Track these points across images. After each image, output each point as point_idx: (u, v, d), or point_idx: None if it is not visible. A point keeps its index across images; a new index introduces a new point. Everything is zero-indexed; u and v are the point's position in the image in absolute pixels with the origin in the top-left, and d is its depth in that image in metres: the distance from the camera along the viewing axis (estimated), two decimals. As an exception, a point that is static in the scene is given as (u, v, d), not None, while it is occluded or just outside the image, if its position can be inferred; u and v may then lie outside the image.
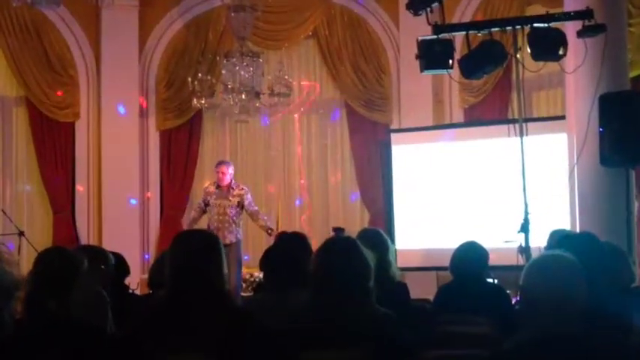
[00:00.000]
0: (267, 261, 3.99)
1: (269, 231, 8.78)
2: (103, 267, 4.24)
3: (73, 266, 2.99)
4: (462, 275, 4.79)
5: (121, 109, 10.25)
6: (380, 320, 2.99)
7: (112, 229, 10.00)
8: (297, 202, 10.50)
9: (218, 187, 8.81)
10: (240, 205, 8.80)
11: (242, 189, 8.92)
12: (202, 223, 8.89)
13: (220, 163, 9.00)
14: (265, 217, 9.05)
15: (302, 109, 10.49)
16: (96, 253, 4.37)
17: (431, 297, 5.15)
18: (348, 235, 3.25)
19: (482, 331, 4.01)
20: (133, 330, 3.04)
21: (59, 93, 10.12)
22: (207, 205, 8.81)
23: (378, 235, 4.44)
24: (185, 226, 9.37)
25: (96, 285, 3.99)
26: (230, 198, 8.78)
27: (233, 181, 8.91)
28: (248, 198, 8.85)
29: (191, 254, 3.06)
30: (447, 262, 4.93)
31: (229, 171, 8.85)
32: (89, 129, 10.31)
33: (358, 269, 3.03)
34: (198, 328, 2.90)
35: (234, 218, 8.77)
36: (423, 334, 3.80)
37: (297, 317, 3.12)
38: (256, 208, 8.93)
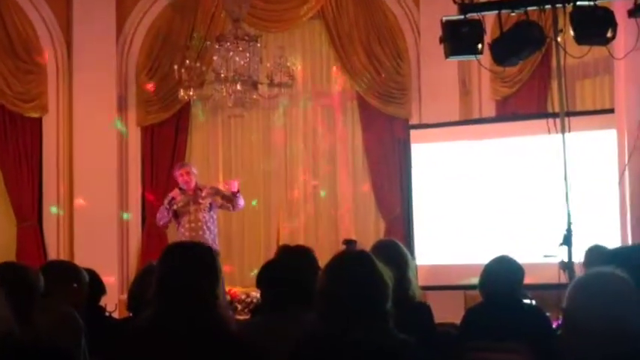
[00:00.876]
0: (266, 278, 3.98)
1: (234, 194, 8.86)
2: (75, 285, 4.24)
3: (26, 285, 2.98)
4: (494, 295, 4.78)
5: (96, 103, 10.24)
6: (398, 349, 2.97)
7: (85, 241, 10.00)
8: (300, 209, 10.49)
9: (183, 192, 8.86)
10: (213, 207, 8.86)
11: (209, 188, 9.08)
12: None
13: (183, 166, 9.11)
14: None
15: (306, 101, 10.49)
16: (66, 269, 4.37)
17: (457, 320, 5.14)
18: (361, 248, 3.23)
19: (519, 359, 4.00)
20: (110, 359, 3.04)
21: (24, 83, 10.14)
22: (172, 208, 8.84)
23: (396, 247, 4.43)
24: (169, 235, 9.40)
25: (66, 306, 3.99)
26: (200, 201, 8.83)
27: (198, 183, 9.02)
28: (219, 190, 9.03)
29: (183, 271, 3.06)
30: (475, 280, 4.92)
31: (193, 172, 8.97)
32: (59, 125, 10.33)
33: (373, 289, 3.02)
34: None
35: (209, 224, 8.82)
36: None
37: (300, 346, 3.10)
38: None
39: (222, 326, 3.04)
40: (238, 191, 8.92)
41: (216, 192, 8.99)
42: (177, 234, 8.92)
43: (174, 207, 8.84)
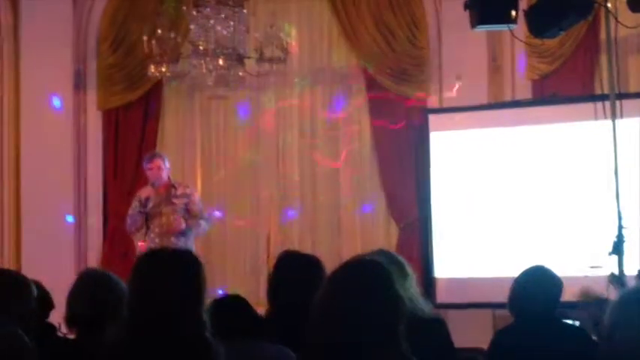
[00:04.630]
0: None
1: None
2: (22, 300, 4.25)
3: None
4: (527, 314, 4.79)
5: (48, 81, 10.25)
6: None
7: (35, 247, 10.01)
8: (295, 212, 10.50)
9: (154, 188, 8.87)
10: (188, 210, 8.86)
11: (187, 187, 9.13)
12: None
13: (153, 157, 9.12)
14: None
15: (303, 80, 10.50)
16: (13, 280, 4.38)
17: (484, 345, 5.15)
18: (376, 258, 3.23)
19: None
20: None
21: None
22: (145, 210, 8.86)
23: (391, 256, 4.46)
24: (137, 241, 9.39)
25: (12, 326, 4.00)
26: (174, 201, 8.85)
27: (171, 179, 9.03)
28: (196, 198, 9.04)
29: (163, 285, 3.07)
30: (505, 297, 4.92)
31: (166, 165, 8.98)
32: (3, 109, 10.35)
33: (388, 305, 3.02)
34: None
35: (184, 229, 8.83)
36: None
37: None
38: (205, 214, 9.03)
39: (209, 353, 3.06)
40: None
41: (190, 202, 8.93)
42: (145, 239, 8.90)
43: (146, 203, 8.84)
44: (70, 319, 4.21)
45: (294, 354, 3.27)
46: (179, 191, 8.95)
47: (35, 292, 4.41)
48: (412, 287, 4.37)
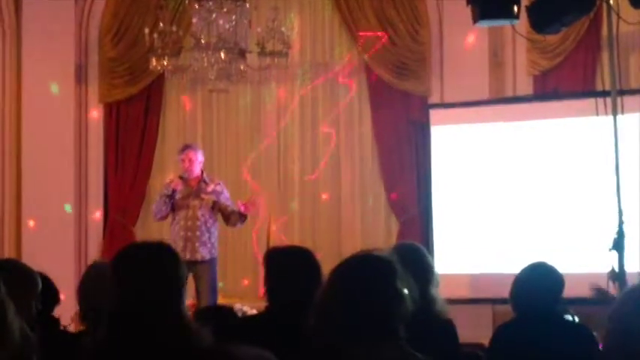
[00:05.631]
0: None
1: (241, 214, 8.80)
2: (28, 291, 4.25)
3: None
4: (528, 310, 4.78)
5: (50, 74, 10.25)
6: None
7: (35, 240, 10.01)
8: (295, 206, 10.49)
9: (184, 180, 8.84)
10: (217, 207, 8.83)
11: (218, 184, 9.01)
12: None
13: (187, 148, 9.06)
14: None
15: (304, 75, 10.49)
16: (19, 272, 4.37)
17: (484, 340, 5.14)
18: (387, 254, 3.21)
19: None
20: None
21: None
22: (172, 201, 8.81)
23: (421, 254, 4.46)
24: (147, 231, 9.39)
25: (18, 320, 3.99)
26: (202, 196, 8.81)
27: (204, 174, 8.96)
28: (225, 196, 8.92)
29: (142, 280, 3.06)
30: (505, 292, 4.92)
31: (199, 158, 8.92)
32: (4, 100, 10.35)
33: (388, 303, 3.02)
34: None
35: (209, 225, 8.80)
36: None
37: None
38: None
39: (192, 344, 3.05)
40: (246, 216, 8.91)
41: (219, 199, 8.88)
42: (170, 231, 8.86)
43: (174, 195, 8.78)
44: (85, 314, 4.21)
45: (294, 349, 3.25)
46: (209, 188, 8.90)
47: (40, 284, 4.41)
48: (436, 291, 4.38)
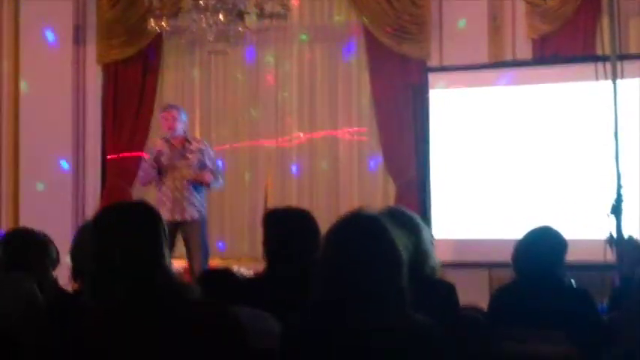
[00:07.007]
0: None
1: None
2: (44, 259, 4.29)
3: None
4: (530, 273, 4.79)
5: (49, 34, 10.24)
6: (420, 334, 2.98)
7: (33, 202, 10.03)
8: (294, 169, 10.50)
9: (168, 142, 8.83)
10: (202, 166, 8.83)
11: (201, 141, 9.10)
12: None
13: (169, 107, 9.10)
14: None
15: (303, 37, 10.46)
16: (37, 240, 4.41)
17: (481, 303, 5.15)
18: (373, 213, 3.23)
19: (558, 350, 4.02)
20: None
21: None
22: (158, 164, 8.79)
23: (407, 214, 4.45)
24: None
25: (30, 283, 4.03)
26: (188, 155, 8.81)
27: (187, 133, 8.98)
28: (210, 154, 8.97)
29: (122, 236, 3.09)
30: (501, 257, 4.94)
31: (182, 117, 8.93)
32: (3, 63, 10.34)
33: (386, 262, 3.02)
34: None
35: (196, 184, 8.80)
36: (474, 355, 3.81)
37: (289, 341, 3.12)
38: (218, 173, 8.99)
39: (176, 292, 3.07)
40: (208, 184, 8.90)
41: (204, 157, 8.86)
42: (157, 194, 8.85)
43: (160, 162, 8.74)
44: (77, 274, 4.24)
45: (293, 311, 3.27)
46: (193, 146, 8.90)
47: (55, 254, 4.46)
48: (429, 247, 4.39)
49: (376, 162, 10.32)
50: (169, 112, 8.92)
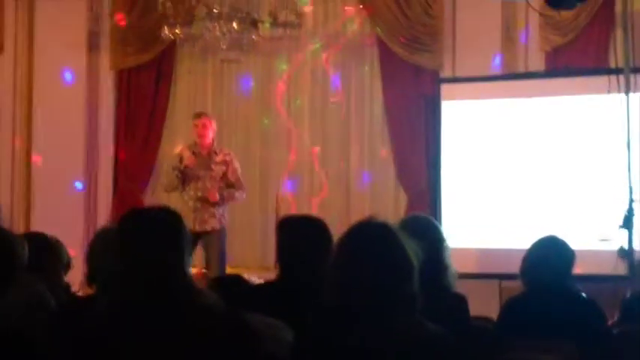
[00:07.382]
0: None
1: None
2: (56, 263, 4.31)
3: (9, 254, 3.02)
4: (538, 284, 4.79)
5: (62, 41, 10.24)
6: (432, 342, 2.98)
7: (45, 207, 10.05)
8: (305, 178, 10.49)
9: (194, 152, 8.81)
10: (224, 179, 8.82)
11: (227, 154, 8.98)
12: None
13: (201, 115, 9.03)
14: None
15: (316, 46, 10.47)
16: (49, 244, 4.43)
17: (491, 314, 5.15)
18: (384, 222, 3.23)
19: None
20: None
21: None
22: (183, 174, 8.76)
23: (430, 224, 4.48)
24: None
25: (42, 285, 4.04)
26: (212, 167, 8.79)
27: (215, 143, 8.95)
28: (234, 165, 8.91)
29: (145, 242, 3.09)
30: (512, 268, 4.93)
31: (212, 126, 8.89)
32: (16, 67, 10.36)
33: (398, 265, 3.03)
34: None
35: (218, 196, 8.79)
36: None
37: (309, 341, 3.12)
38: (242, 184, 8.97)
39: (195, 298, 3.08)
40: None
41: (228, 170, 8.84)
42: (181, 202, 8.81)
43: (184, 167, 8.72)
44: (93, 279, 4.25)
45: (305, 317, 3.27)
46: (219, 158, 8.87)
47: (67, 258, 4.48)
48: (448, 260, 4.41)
49: (387, 171, 10.31)
50: (202, 120, 8.88)
